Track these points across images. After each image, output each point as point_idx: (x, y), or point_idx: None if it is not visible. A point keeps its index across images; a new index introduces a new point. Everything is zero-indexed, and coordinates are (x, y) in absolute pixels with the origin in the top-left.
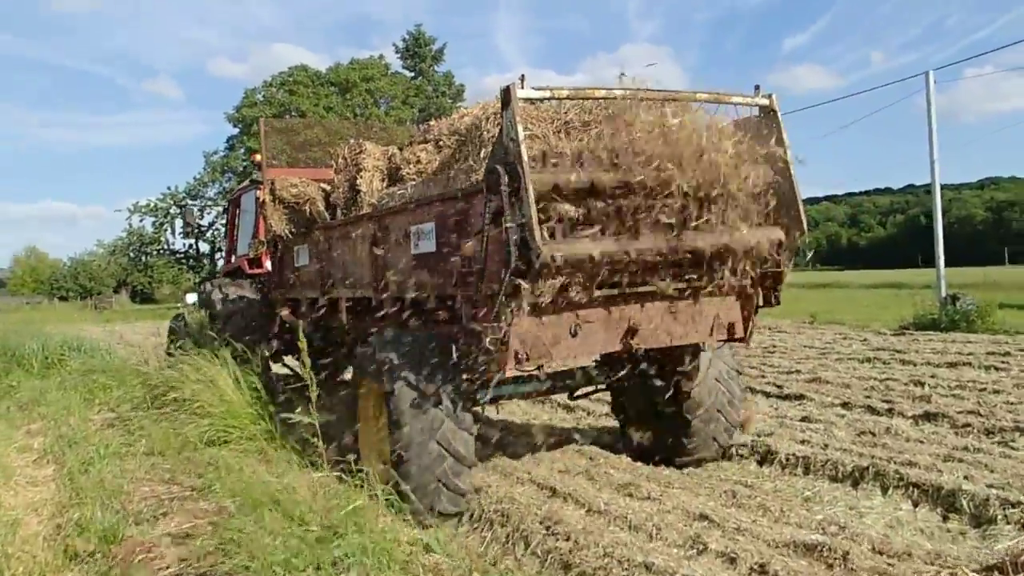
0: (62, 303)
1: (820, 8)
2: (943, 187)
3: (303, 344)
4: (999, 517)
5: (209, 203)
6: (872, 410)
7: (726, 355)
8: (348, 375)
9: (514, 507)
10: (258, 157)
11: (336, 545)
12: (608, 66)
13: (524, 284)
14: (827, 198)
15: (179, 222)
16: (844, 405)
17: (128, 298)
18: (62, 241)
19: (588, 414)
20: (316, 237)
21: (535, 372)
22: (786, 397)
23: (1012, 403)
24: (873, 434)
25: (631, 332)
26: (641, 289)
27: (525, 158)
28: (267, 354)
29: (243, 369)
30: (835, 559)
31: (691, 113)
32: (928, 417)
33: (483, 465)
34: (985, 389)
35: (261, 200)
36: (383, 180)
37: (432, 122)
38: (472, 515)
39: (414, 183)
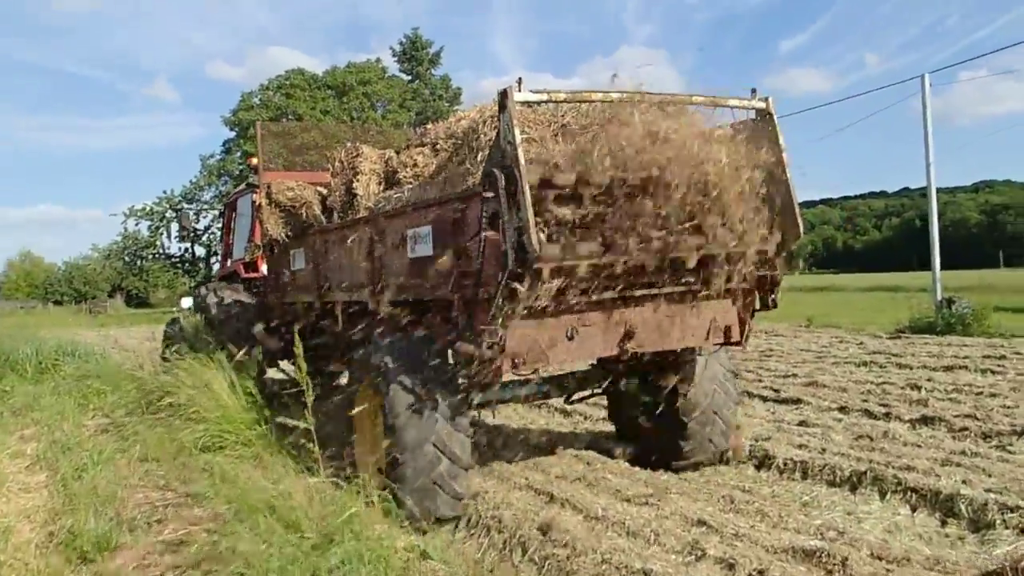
0: (56, 307)
1: (815, 11)
2: (938, 190)
3: (299, 349)
4: (997, 522)
5: (205, 207)
6: (869, 414)
7: (722, 357)
8: (344, 379)
9: (511, 513)
10: (254, 161)
11: (332, 552)
12: (605, 69)
13: (521, 287)
14: (823, 201)
15: (175, 226)
16: (841, 409)
17: (123, 302)
18: (57, 245)
19: (585, 418)
20: (312, 241)
21: (531, 376)
22: (783, 401)
23: (1009, 407)
24: (871, 438)
25: (628, 336)
26: (637, 293)
27: (522, 161)
28: (260, 358)
29: (238, 374)
30: (834, 565)
31: (687, 116)
32: (925, 421)
33: (480, 470)
34: (982, 393)
35: (257, 204)
36: (380, 184)
37: (429, 125)
38: (469, 521)
39: (411, 187)
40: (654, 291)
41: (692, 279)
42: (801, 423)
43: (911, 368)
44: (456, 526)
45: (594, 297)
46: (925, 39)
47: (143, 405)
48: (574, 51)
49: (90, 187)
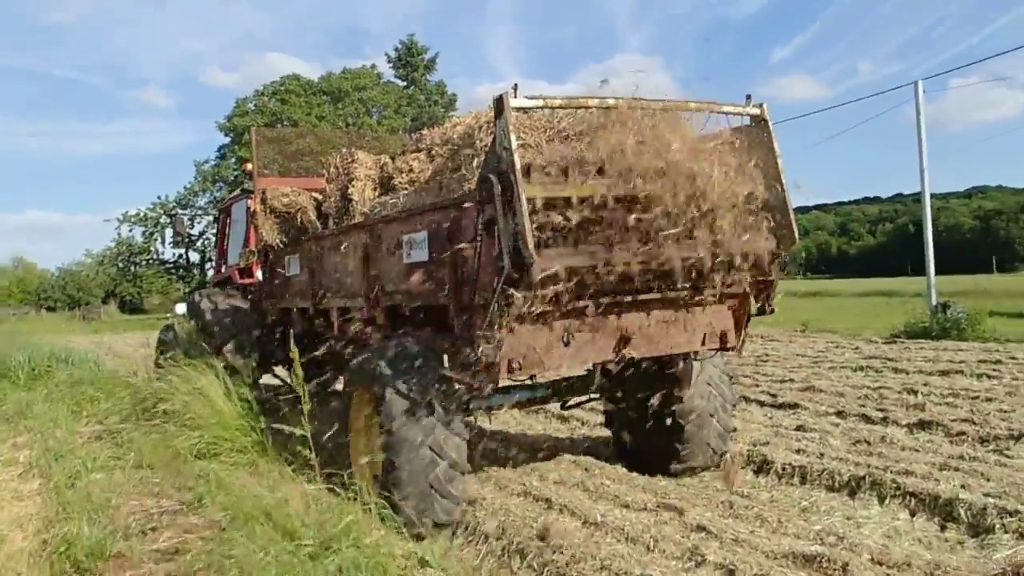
0: (50, 314)
1: (807, 19)
2: (932, 196)
3: (295, 354)
4: (997, 526)
5: (199, 212)
6: (867, 419)
7: (718, 360)
8: (339, 385)
9: (509, 520)
10: (249, 166)
11: (330, 560)
12: (599, 76)
13: (517, 293)
14: (817, 207)
15: (169, 232)
16: (838, 414)
17: (117, 308)
18: (50, 251)
19: (582, 424)
20: (307, 247)
21: (528, 381)
22: (780, 406)
23: (1005, 411)
24: (868, 443)
25: (624, 341)
26: (633, 298)
27: (518, 167)
28: (255, 365)
29: (233, 380)
30: (835, 570)
31: (682, 123)
32: (922, 425)
33: (477, 477)
34: (978, 397)
35: (252, 209)
36: (375, 189)
37: (424, 131)
38: (467, 528)
39: (406, 192)
40: (650, 297)
41: (687, 285)
42: (799, 428)
43: (907, 373)
44: (454, 533)
45: (590, 303)
46: (916, 46)
47: (137, 412)
48: (568, 58)
49: (84, 193)
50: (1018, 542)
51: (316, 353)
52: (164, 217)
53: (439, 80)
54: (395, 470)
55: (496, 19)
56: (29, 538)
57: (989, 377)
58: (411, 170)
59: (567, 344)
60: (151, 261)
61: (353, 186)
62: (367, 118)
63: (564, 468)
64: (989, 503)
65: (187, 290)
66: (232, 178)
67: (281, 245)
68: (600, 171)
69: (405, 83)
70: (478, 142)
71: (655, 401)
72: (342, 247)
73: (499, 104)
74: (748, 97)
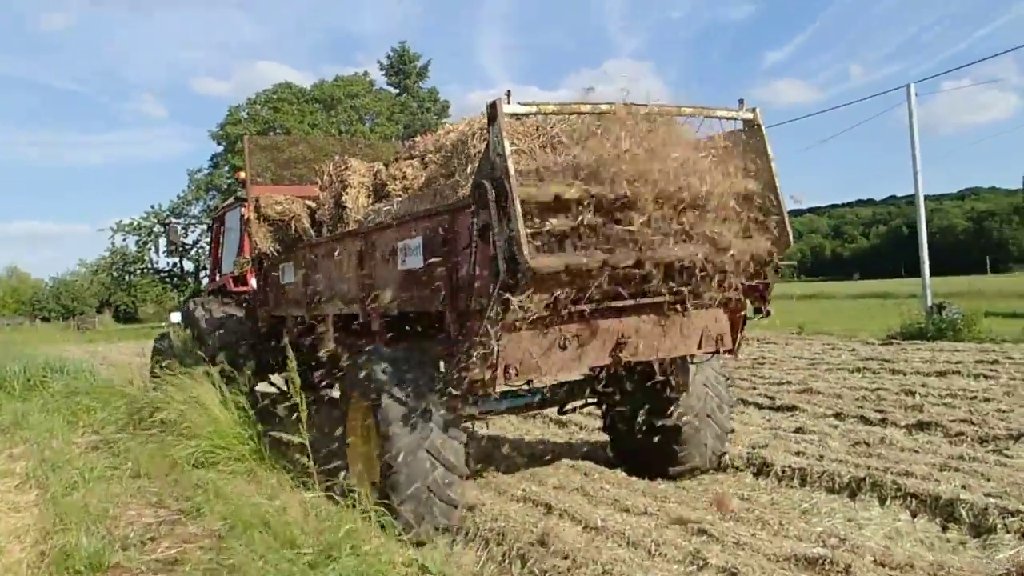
0: (44, 324)
1: (800, 23)
2: (925, 198)
3: (292, 362)
4: (999, 526)
5: (193, 221)
6: (865, 420)
7: (713, 361)
8: (335, 392)
9: (509, 525)
10: (242, 175)
11: (330, 569)
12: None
13: (512, 298)
14: (810, 210)
15: (163, 240)
16: (837, 416)
17: (111, 318)
18: (44, 261)
19: (580, 428)
20: (302, 254)
21: (525, 386)
22: (778, 408)
23: (1003, 411)
24: (868, 444)
25: (620, 345)
26: (630, 302)
27: (512, 173)
28: (250, 373)
29: (230, 388)
30: (837, 572)
31: (676, 127)
32: (921, 426)
33: (476, 483)
34: (976, 397)
35: (246, 218)
36: (369, 196)
37: (418, 138)
38: (467, 534)
39: (400, 199)
40: (646, 301)
41: (683, 289)
42: (797, 430)
43: (904, 374)
44: (454, 539)
45: (586, 307)
46: (908, 50)
47: (134, 421)
48: (560, 64)
49: (77, 202)
50: (1020, 542)
51: (312, 361)
52: (158, 226)
53: (431, 87)
54: (393, 475)
55: (488, 25)
56: (27, 549)
57: (986, 377)
58: (405, 177)
59: (563, 349)
60: (145, 270)
61: (347, 193)
62: (360, 125)
63: (563, 473)
64: (990, 503)
65: (181, 299)
66: (225, 186)
67: (275, 253)
68: (593, 176)
69: (397, 90)
70: (471, 148)
71: (652, 404)
72: (336, 255)
73: (492, 110)
74: (741, 101)
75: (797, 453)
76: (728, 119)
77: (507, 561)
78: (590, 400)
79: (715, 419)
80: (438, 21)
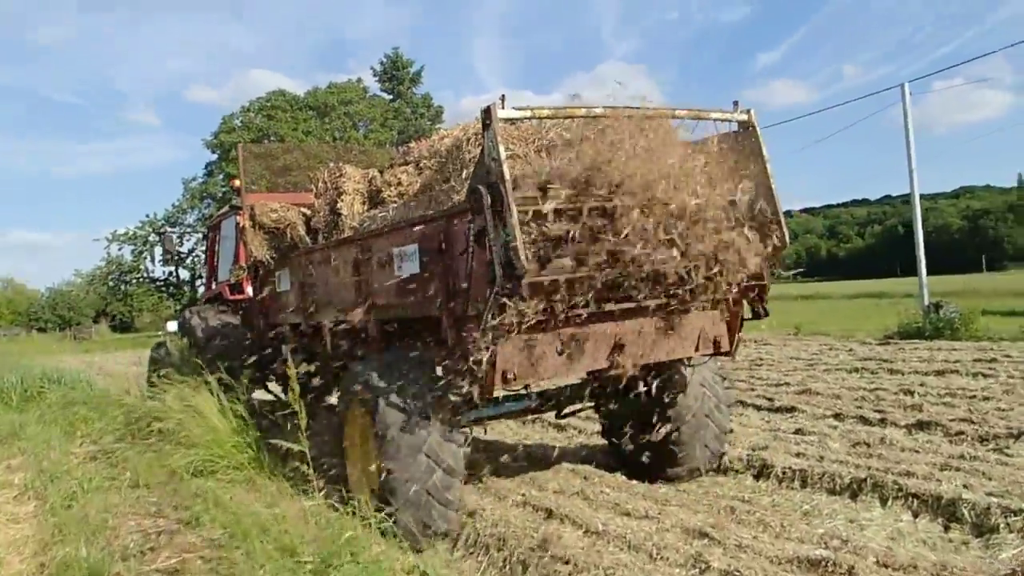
0: (40, 334)
1: (793, 24)
2: (920, 197)
3: (292, 370)
4: (1001, 526)
5: (188, 230)
6: (865, 420)
7: (709, 362)
8: (333, 399)
9: (510, 531)
10: (237, 183)
11: None
12: (585, 85)
13: (509, 303)
14: (805, 210)
15: (158, 250)
16: (836, 416)
17: (107, 327)
18: (39, 271)
19: (579, 432)
20: (298, 262)
21: (522, 391)
22: (777, 410)
23: (1003, 409)
24: (868, 445)
25: (617, 349)
26: (626, 306)
27: (507, 178)
28: (247, 381)
29: (227, 396)
30: (840, 574)
31: (671, 130)
32: (921, 426)
33: (476, 488)
34: (975, 396)
35: (241, 226)
36: (364, 203)
37: (412, 144)
38: (467, 540)
39: (396, 205)
40: (643, 304)
41: (680, 291)
42: (797, 431)
43: (902, 373)
44: (455, 545)
45: (583, 311)
46: (900, 50)
47: (132, 431)
48: (554, 68)
49: (72, 213)
50: (1023, 541)
51: (309, 368)
52: (153, 235)
53: (425, 93)
54: (392, 479)
55: (481, 30)
56: (26, 561)
57: (985, 376)
58: (400, 183)
59: (561, 353)
60: (141, 279)
61: (342, 200)
62: (354, 132)
63: (563, 477)
64: (992, 502)
65: (178, 308)
66: (220, 194)
67: (271, 261)
68: (588, 180)
69: (391, 96)
70: (466, 154)
71: (649, 406)
72: (332, 262)
73: (487, 115)
74: (736, 103)
75: (797, 454)
76: (723, 121)
77: (508, 567)
78: (587, 404)
79: (713, 419)
80: (431, 27)
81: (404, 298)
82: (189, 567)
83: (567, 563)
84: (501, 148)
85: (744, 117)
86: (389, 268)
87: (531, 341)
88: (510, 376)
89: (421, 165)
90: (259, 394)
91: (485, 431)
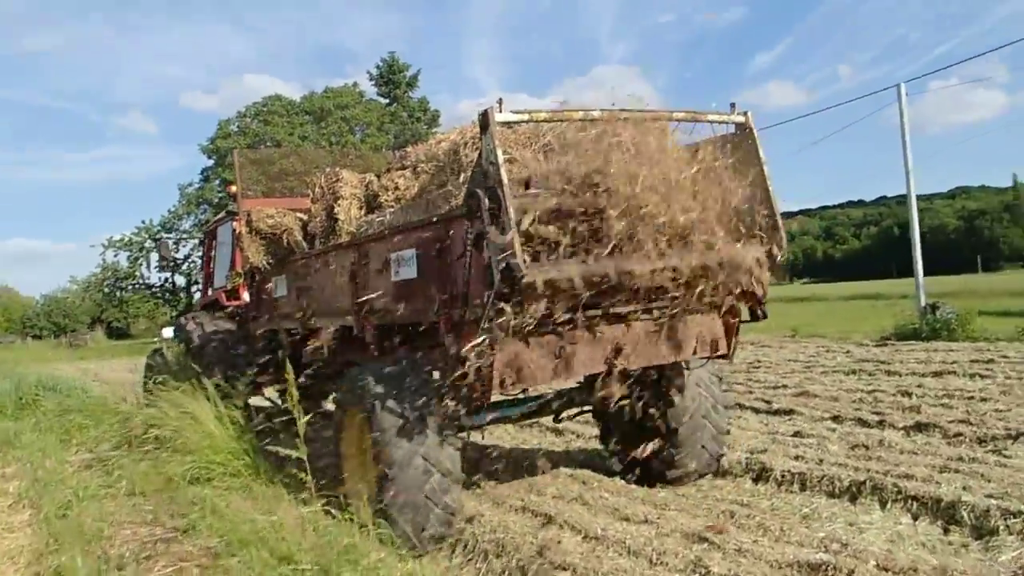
0: (35, 342)
1: (787, 26)
2: (916, 198)
3: (290, 376)
4: (1001, 528)
5: (185, 236)
6: (863, 423)
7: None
8: (330, 405)
9: (508, 537)
10: (233, 188)
11: None
12: (580, 88)
13: (507, 307)
14: (802, 212)
15: (154, 256)
16: (835, 418)
17: (103, 334)
18: (35, 279)
19: (577, 436)
20: (295, 267)
21: (520, 395)
22: (776, 412)
23: (1001, 411)
24: (866, 447)
25: (615, 352)
26: (624, 309)
27: (505, 181)
28: (243, 387)
29: (224, 403)
30: None
31: (667, 133)
32: (919, 428)
33: (474, 494)
34: (973, 397)
35: (237, 232)
36: (361, 208)
37: (409, 148)
38: (466, 547)
39: (393, 210)
40: (640, 307)
41: (678, 294)
42: (795, 434)
43: (900, 375)
44: (453, 551)
45: (580, 315)
46: (894, 51)
47: (128, 439)
48: (549, 71)
49: (68, 220)
50: (1023, 544)
51: (305, 373)
52: (149, 242)
53: (421, 97)
54: (389, 483)
55: (477, 34)
56: (20, 570)
57: (982, 377)
58: (397, 188)
59: (559, 357)
60: (137, 286)
61: (339, 205)
62: (350, 136)
63: (561, 482)
64: (992, 505)
65: (174, 314)
66: (216, 200)
67: (267, 266)
68: (585, 183)
69: (387, 100)
70: (464, 158)
71: (647, 408)
72: (329, 267)
73: (485, 119)
74: (733, 105)
75: (796, 457)
76: (720, 123)
77: (507, 573)
78: (585, 408)
79: (711, 420)
80: (427, 31)
81: (402, 303)
82: None
83: (566, 569)
84: (499, 152)
85: (741, 119)
86: (386, 273)
87: (529, 345)
88: (508, 381)
89: (418, 169)
90: (256, 400)
91: (482, 436)
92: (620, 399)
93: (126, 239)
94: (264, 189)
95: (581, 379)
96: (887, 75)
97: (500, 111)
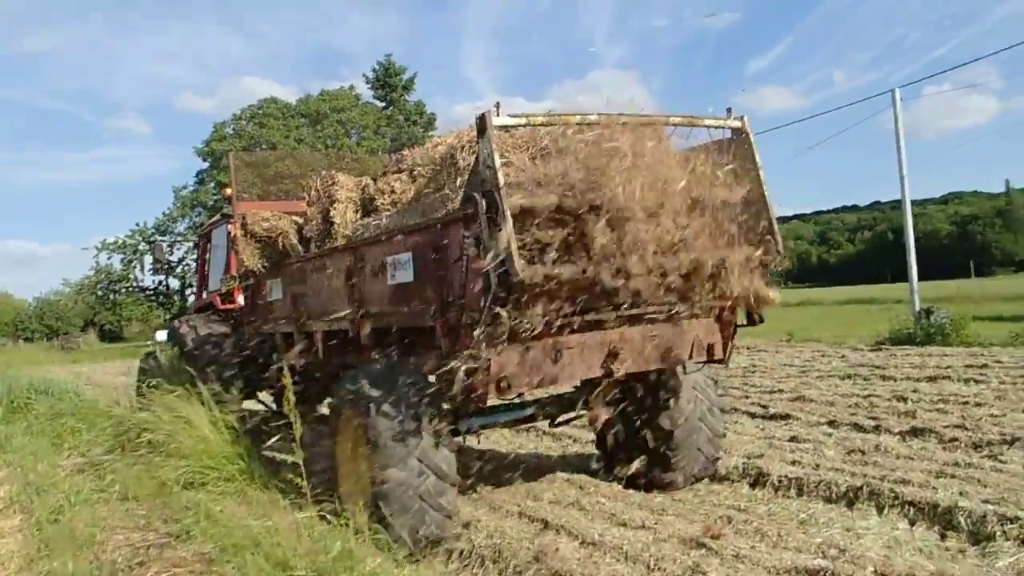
0: (27, 344)
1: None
2: (910, 203)
3: (287, 380)
4: (998, 533)
5: (179, 239)
6: (859, 427)
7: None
8: (325, 409)
9: (505, 542)
10: (228, 191)
11: None
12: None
13: (504, 311)
14: (796, 216)
15: (148, 259)
16: (831, 423)
17: (96, 337)
18: (27, 281)
19: (574, 441)
20: (290, 271)
21: (516, 399)
22: (772, 417)
23: (996, 415)
24: (863, 452)
25: (612, 356)
26: (621, 313)
27: (503, 185)
28: (237, 391)
29: (219, 407)
30: None
31: (664, 137)
32: (915, 433)
33: (471, 499)
34: (968, 402)
35: (232, 235)
36: (357, 211)
37: (406, 152)
38: (462, 552)
39: (389, 213)
40: (636, 311)
41: (674, 298)
42: (792, 439)
43: (895, 380)
44: (449, 557)
45: (577, 319)
46: (888, 56)
47: (120, 443)
48: (545, 75)
49: (61, 222)
50: (1020, 549)
51: (300, 377)
52: (143, 244)
53: (418, 100)
54: (384, 486)
55: (473, 37)
56: None
57: (977, 382)
58: (393, 191)
59: (555, 361)
60: (130, 289)
61: (335, 209)
62: (346, 139)
63: (558, 487)
64: (988, 510)
65: (168, 317)
66: (211, 203)
67: (263, 270)
68: (582, 187)
69: (384, 103)
70: (460, 161)
71: (642, 412)
72: (325, 270)
73: (482, 122)
74: (729, 110)
75: (793, 462)
76: (716, 128)
77: None
78: (581, 412)
79: (706, 423)
80: (423, 34)
81: (398, 306)
82: None
83: (563, 575)
84: (496, 155)
85: (738, 124)
86: (383, 276)
87: (525, 349)
88: (504, 385)
89: (415, 173)
90: (250, 404)
91: (479, 440)
92: (618, 406)
93: (120, 242)
94: (259, 192)
95: (577, 384)
96: (882, 79)
97: (497, 115)
